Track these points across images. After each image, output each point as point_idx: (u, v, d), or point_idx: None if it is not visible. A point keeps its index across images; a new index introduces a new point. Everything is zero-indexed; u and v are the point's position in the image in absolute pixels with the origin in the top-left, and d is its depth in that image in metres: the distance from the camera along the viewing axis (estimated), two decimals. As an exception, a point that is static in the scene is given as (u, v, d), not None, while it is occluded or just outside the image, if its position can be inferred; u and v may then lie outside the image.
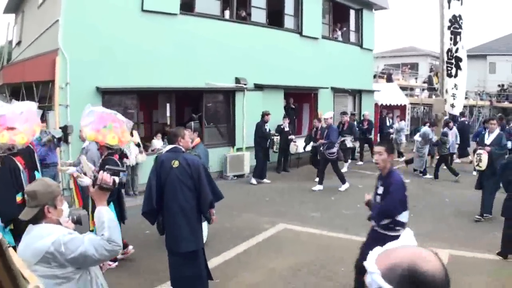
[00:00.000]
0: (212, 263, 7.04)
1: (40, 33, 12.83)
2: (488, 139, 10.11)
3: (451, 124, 16.04)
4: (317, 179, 13.60)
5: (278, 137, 14.77)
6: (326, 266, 6.98)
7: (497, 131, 10.34)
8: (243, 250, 7.85)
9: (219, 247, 7.78)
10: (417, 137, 15.40)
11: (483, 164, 9.66)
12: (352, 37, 21.07)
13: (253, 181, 13.79)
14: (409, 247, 1.58)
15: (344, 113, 16.24)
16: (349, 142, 15.71)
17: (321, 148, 13.12)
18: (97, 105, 11.18)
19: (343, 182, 12.92)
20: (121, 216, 6.91)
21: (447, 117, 17.97)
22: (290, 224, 9.34)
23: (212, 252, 7.38)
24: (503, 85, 34.32)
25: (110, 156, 6.19)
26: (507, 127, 15.79)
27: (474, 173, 11.07)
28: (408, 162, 16.13)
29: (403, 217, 5.05)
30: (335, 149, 12.97)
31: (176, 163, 5.60)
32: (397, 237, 4.45)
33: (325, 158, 13.04)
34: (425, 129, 14.94)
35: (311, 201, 11.49)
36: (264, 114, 14.08)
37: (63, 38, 10.90)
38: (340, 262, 7.10)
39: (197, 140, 7.53)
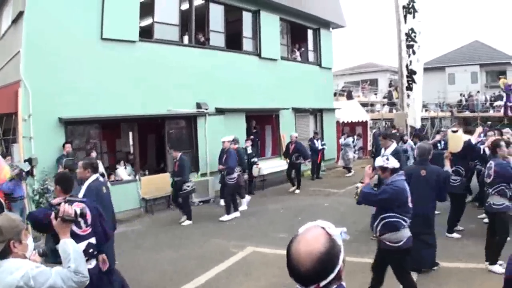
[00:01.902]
0: (183, 290, 7.33)
1: (2, 65, 12.98)
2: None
3: (405, 137, 16.19)
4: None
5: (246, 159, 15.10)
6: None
7: (393, 146, 10.10)
8: (213, 275, 7.98)
9: (189, 274, 7.97)
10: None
11: None
12: (311, 56, 21.87)
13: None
14: (317, 229, 2.02)
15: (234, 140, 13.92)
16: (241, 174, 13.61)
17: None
18: (61, 136, 11.51)
19: (228, 212, 12.52)
20: None
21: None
22: (258, 247, 9.56)
23: (182, 279, 7.68)
24: (464, 95, 35.62)
25: None
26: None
27: None
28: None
29: None
30: (235, 174, 12.67)
31: (104, 189, 6.47)
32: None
33: (225, 184, 12.80)
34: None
35: (277, 222, 11.77)
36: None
37: (25, 69, 11.06)
38: (309, 281, 7.51)
39: None
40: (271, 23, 18.57)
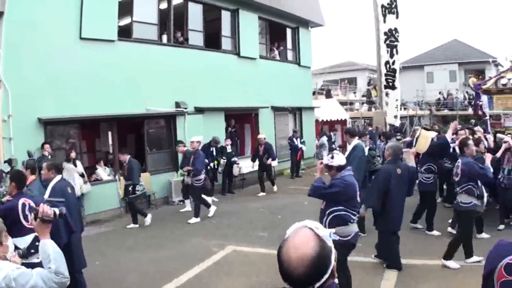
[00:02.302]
0: (164, 290, 7.56)
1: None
2: (347, 151, 10.02)
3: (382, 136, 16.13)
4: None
5: (224, 159, 15.59)
6: (277, 285, 7.55)
7: (354, 141, 9.91)
8: (194, 275, 8.10)
9: (170, 274, 8.11)
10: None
11: None
12: (290, 55, 22.31)
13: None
14: (305, 232, 1.97)
15: (180, 142, 14.00)
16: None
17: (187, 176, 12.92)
18: (40, 136, 11.53)
19: (197, 215, 12.36)
20: None
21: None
22: (239, 246, 9.72)
23: (163, 279, 7.85)
24: (442, 93, 36.14)
25: None
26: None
27: None
28: None
29: None
30: (202, 176, 12.53)
31: (70, 189, 6.73)
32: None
33: (191, 186, 12.77)
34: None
35: (258, 221, 11.94)
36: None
37: (4, 70, 11.12)
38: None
39: (32, 177, 7.54)
40: (250, 22, 18.89)
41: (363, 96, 35.78)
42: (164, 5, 15.67)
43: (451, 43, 44.61)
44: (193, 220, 12.21)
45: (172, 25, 15.72)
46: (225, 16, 18.08)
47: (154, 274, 8.19)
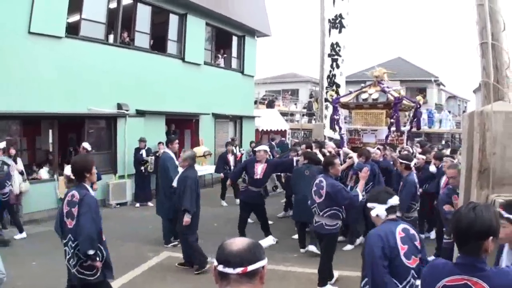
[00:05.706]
0: (98, 294, 8.01)
1: None
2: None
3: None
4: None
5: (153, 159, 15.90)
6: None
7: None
8: (128, 280, 8.29)
9: None
10: None
11: None
12: (234, 63, 23.27)
13: (137, 204, 15.37)
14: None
15: None
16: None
17: None
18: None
19: (20, 230, 11.38)
20: None
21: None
22: (174, 252, 10.04)
23: None
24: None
25: None
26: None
27: None
28: None
29: None
30: (7, 189, 10.97)
31: None
32: None
33: None
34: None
35: None
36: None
37: None
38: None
39: None
40: (197, 28, 19.66)
41: (304, 108, 36.80)
42: (113, 4, 16.12)
43: (395, 60, 46.10)
44: (19, 236, 11.31)
45: (119, 25, 16.21)
46: (173, 20, 18.73)
47: (89, 278, 8.62)
